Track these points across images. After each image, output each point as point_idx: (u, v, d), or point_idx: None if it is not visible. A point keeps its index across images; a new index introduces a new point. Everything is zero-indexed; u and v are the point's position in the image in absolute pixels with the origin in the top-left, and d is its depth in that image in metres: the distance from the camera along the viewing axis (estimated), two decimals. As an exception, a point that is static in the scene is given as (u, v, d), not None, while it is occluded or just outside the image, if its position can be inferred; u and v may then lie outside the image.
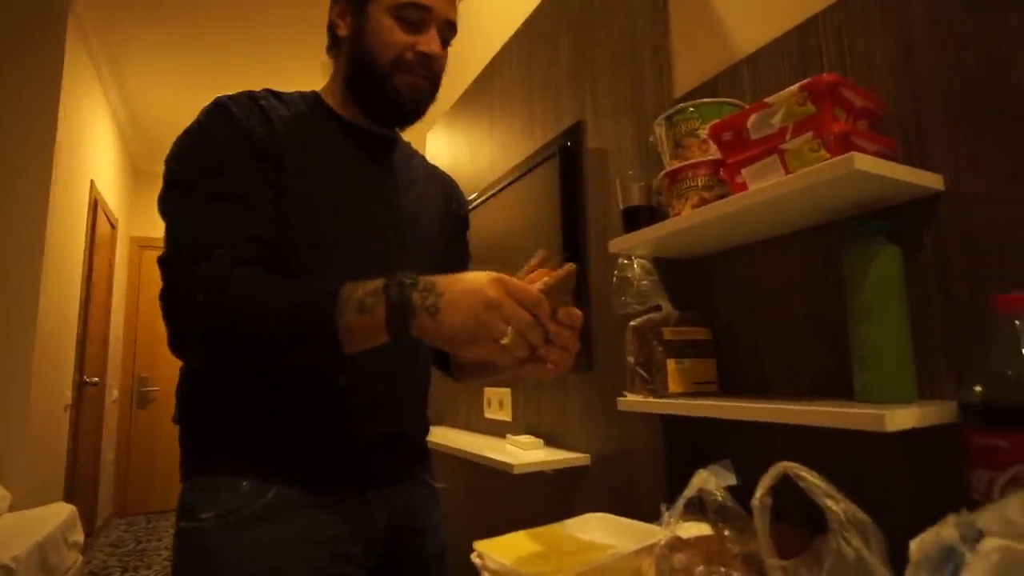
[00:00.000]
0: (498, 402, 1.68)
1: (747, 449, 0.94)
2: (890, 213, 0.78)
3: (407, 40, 0.76)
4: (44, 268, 2.56)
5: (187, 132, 0.72)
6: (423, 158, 0.98)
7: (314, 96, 0.83)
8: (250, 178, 0.69)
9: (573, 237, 1.31)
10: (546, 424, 1.46)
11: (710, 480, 0.80)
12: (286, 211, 0.71)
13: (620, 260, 1.08)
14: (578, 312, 0.62)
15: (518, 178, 1.62)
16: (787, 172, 0.77)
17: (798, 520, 0.71)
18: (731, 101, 0.95)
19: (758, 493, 0.68)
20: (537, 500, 1.45)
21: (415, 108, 0.81)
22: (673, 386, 0.98)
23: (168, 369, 4.63)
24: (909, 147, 0.77)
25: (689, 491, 0.80)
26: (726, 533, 0.77)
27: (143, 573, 3.20)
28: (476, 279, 0.57)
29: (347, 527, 0.72)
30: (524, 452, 1.35)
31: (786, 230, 0.92)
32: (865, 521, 0.61)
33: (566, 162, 1.39)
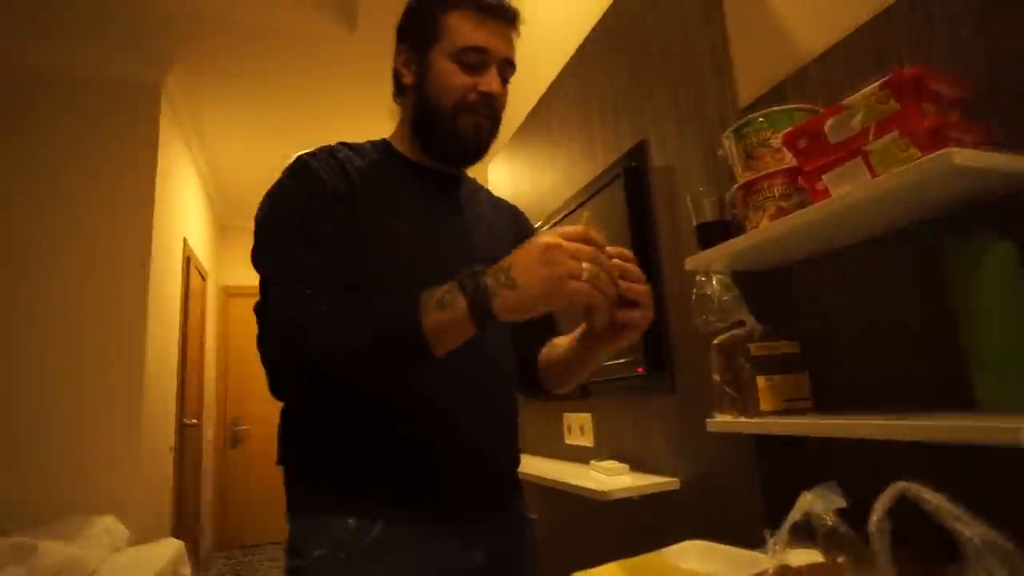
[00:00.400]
0: (579, 427, 1.66)
1: (851, 470, 0.88)
2: (992, 206, 0.73)
3: (468, 82, 0.79)
4: (148, 319, 2.79)
5: (272, 190, 0.77)
6: (488, 191, 1.01)
7: (384, 144, 0.88)
8: (330, 227, 0.73)
9: (645, 256, 1.29)
10: (629, 448, 1.43)
11: (817, 503, 0.75)
12: (366, 254, 0.74)
13: (697, 277, 1.05)
14: (624, 250, 0.66)
15: (583, 202, 1.63)
16: (873, 174, 0.73)
17: (921, 546, 0.65)
18: (802, 107, 0.92)
19: (875, 516, 0.64)
20: (625, 528, 1.41)
21: (479, 147, 0.84)
22: (764, 404, 0.93)
23: (257, 407, 4.88)
24: (1008, 130, 0.71)
25: (794, 515, 0.76)
26: (839, 560, 0.72)
27: (244, 606, 3.33)
28: (527, 244, 0.61)
29: (450, 562, 0.73)
30: (610, 478, 1.33)
31: (873, 234, 0.88)
32: (1007, 548, 0.56)
33: (632, 182, 1.38)
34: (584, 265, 0.58)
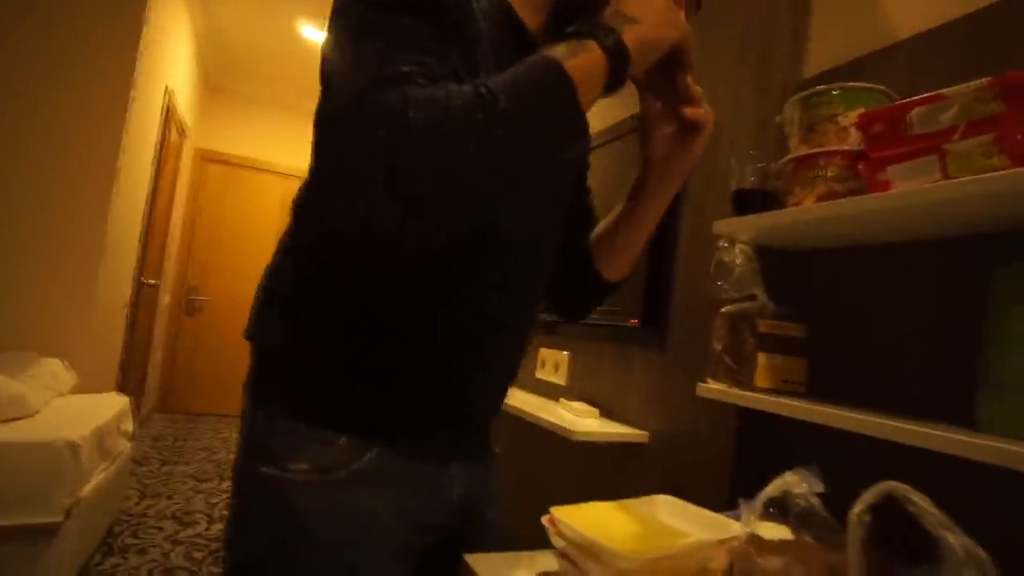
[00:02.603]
0: (553, 364, 1.67)
1: (832, 459, 0.90)
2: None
3: None
4: (119, 167, 2.63)
5: None
6: None
7: (504, 5, 0.65)
8: (449, 50, 0.54)
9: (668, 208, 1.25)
10: (602, 395, 1.45)
11: (797, 483, 0.77)
12: None
13: (720, 243, 1.03)
14: None
15: (616, 138, 1.56)
16: (945, 176, 0.70)
17: (891, 545, 0.68)
18: (883, 89, 0.87)
19: (857, 508, 0.65)
20: (587, 471, 1.45)
21: None
22: (761, 381, 0.94)
23: (217, 280, 4.78)
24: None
25: (772, 490, 0.78)
26: (809, 540, 0.75)
27: (181, 467, 3.39)
28: None
29: (432, 496, 0.67)
30: (579, 419, 1.35)
31: (918, 237, 0.86)
32: (983, 559, 0.58)
33: (669, 130, 1.32)
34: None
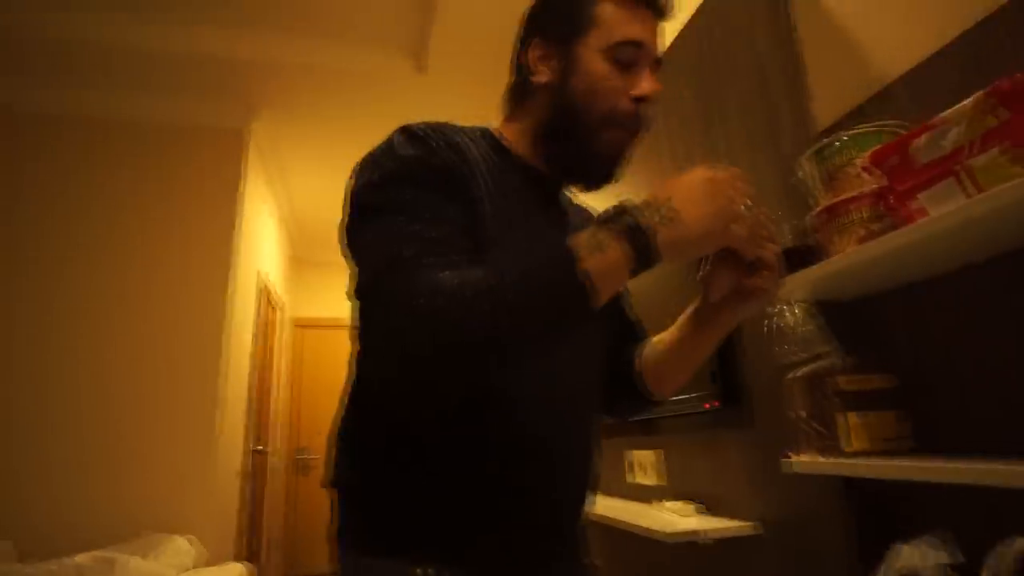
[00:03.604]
0: (641, 465, 1.59)
1: (958, 521, 0.79)
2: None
3: (621, 85, 0.66)
4: (224, 347, 2.94)
5: (376, 160, 0.65)
6: (580, 202, 0.93)
7: (492, 137, 0.73)
8: (450, 203, 0.61)
9: (716, 286, 1.24)
10: (702, 488, 1.35)
11: (917, 557, 0.68)
12: (478, 242, 0.61)
13: (777, 307, 1.00)
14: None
15: None
16: (980, 191, 0.68)
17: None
18: (889, 124, 0.87)
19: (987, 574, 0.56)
20: (699, 572, 1.32)
21: (612, 171, 0.70)
22: (857, 443, 0.86)
23: (325, 439, 5.00)
24: None
25: (890, 572, 0.69)
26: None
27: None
28: (683, 178, 0.55)
29: None
30: (678, 519, 1.25)
31: (975, 259, 0.81)
32: None
33: (701, 210, 1.34)
34: (744, 204, 0.54)
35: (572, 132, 0.68)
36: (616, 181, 0.71)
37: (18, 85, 2.91)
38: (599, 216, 0.56)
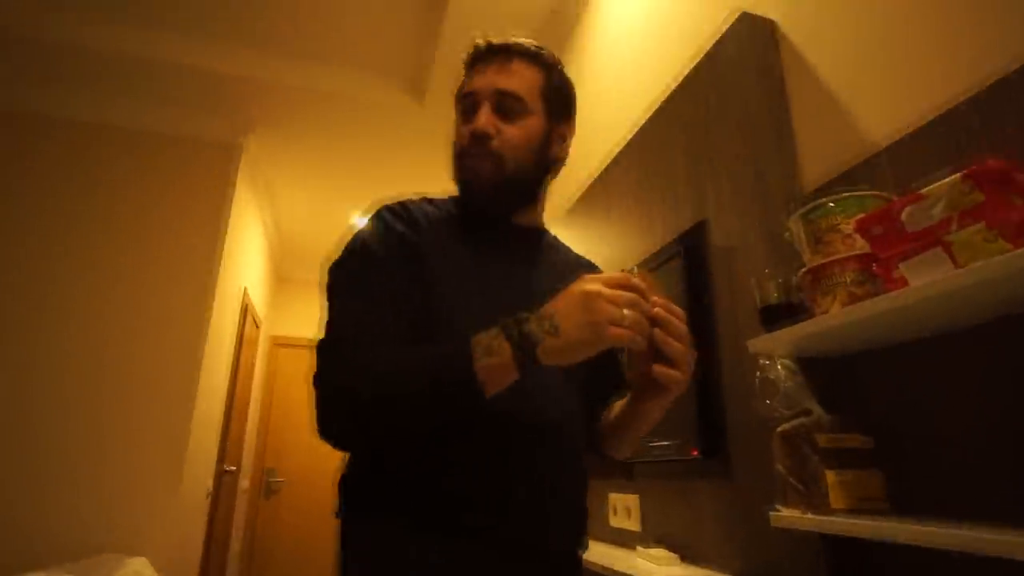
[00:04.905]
0: (625, 509, 1.59)
1: (937, 582, 0.80)
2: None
3: (464, 129, 0.84)
4: (203, 364, 2.89)
5: (350, 242, 0.80)
6: (568, 250, 1.01)
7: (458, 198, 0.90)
8: (397, 279, 0.75)
9: (703, 337, 1.27)
10: (679, 536, 1.35)
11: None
12: (430, 303, 0.75)
13: (761, 361, 1.02)
14: (674, 306, 0.70)
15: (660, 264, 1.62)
16: (956, 265, 0.71)
17: None
18: (876, 193, 0.91)
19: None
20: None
21: (481, 189, 0.83)
22: (835, 501, 0.87)
23: (293, 459, 4.89)
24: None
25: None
26: None
27: (258, 670, 3.21)
28: (570, 288, 0.64)
29: None
30: (659, 568, 1.25)
31: (952, 327, 0.84)
32: None
33: (690, 261, 1.38)
34: (625, 311, 0.61)
35: (453, 174, 0.86)
36: (493, 197, 0.83)
37: (12, 85, 2.90)
38: (507, 319, 0.65)
